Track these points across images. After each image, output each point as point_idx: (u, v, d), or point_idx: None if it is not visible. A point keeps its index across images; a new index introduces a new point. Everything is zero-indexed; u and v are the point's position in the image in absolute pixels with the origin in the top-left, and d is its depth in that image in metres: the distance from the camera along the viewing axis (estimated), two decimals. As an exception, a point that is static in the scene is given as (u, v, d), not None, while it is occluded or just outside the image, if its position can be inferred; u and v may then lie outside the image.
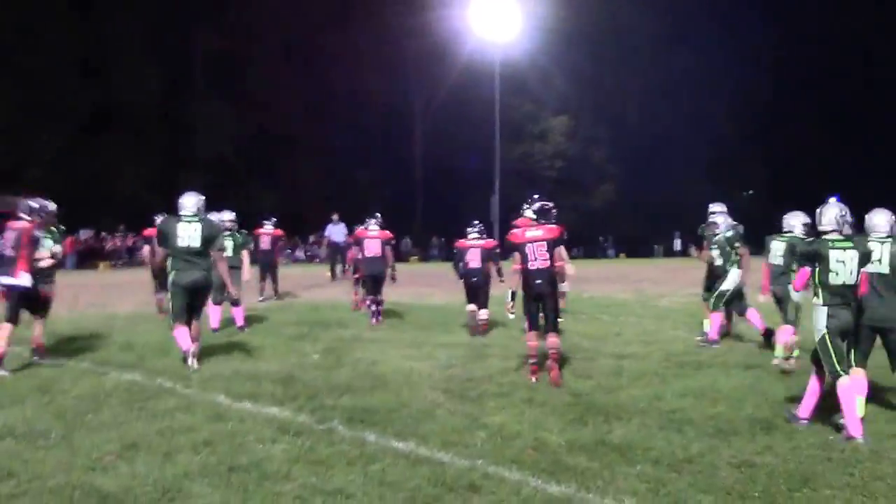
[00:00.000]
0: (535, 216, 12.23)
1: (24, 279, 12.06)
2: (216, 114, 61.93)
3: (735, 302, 14.75)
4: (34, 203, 12.67)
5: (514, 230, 12.15)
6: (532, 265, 11.50)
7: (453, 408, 9.55)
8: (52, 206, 12.93)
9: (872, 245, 9.13)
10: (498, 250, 16.74)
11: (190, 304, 12.43)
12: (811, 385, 8.97)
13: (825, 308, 8.75)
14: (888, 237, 9.36)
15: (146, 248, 18.00)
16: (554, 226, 11.84)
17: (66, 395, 10.08)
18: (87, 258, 45.48)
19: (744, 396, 9.93)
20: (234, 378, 11.18)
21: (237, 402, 9.67)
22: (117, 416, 8.96)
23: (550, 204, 12.38)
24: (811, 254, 8.86)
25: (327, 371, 11.83)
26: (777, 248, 12.95)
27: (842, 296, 8.74)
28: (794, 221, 12.91)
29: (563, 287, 12.70)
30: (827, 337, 8.71)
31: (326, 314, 19.35)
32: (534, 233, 11.69)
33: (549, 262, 11.51)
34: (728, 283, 14.53)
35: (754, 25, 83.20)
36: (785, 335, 12.44)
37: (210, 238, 12.64)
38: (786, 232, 12.94)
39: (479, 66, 63.10)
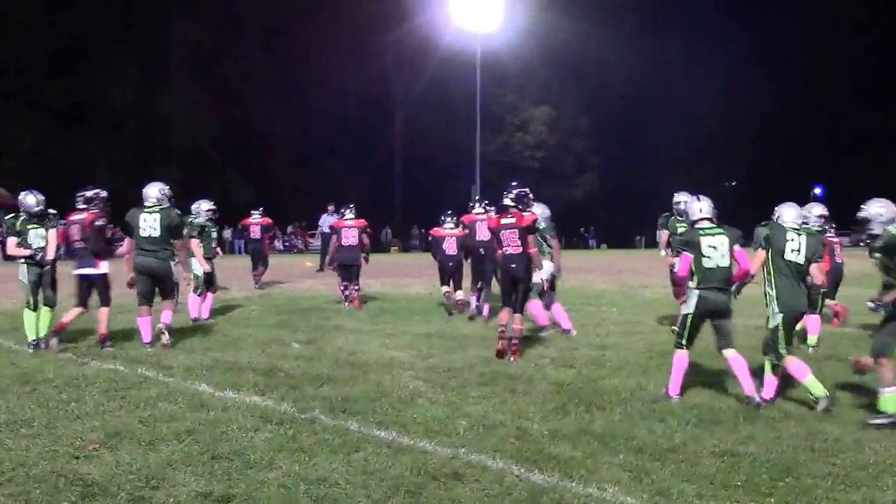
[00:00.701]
0: (512, 204, 12.58)
1: (102, 267, 12.78)
2: (192, 105, 61.79)
3: (549, 293, 14.91)
4: (88, 193, 13.11)
5: (492, 217, 13.18)
6: (506, 250, 12.35)
7: (434, 397, 9.58)
8: (104, 193, 13.32)
9: (791, 235, 9.55)
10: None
11: (152, 289, 13.16)
12: (739, 367, 9.48)
13: (697, 291, 9.51)
14: (802, 229, 9.82)
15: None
16: (527, 214, 12.49)
17: (48, 384, 10.05)
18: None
19: (726, 386, 9.97)
20: (215, 367, 11.22)
21: (219, 392, 9.67)
22: (99, 406, 8.94)
23: (527, 190, 12.85)
24: (687, 242, 9.67)
25: (308, 361, 11.85)
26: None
27: (715, 279, 9.47)
28: (810, 213, 13.21)
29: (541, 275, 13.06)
30: (690, 316, 9.57)
31: (306, 304, 19.41)
32: (507, 220, 12.42)
33: (520, 248, 12.25)
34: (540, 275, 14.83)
35: (739, 18, 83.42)
36: (814, 325, 13.26)
37: (170, 227, 13.08)
38: (803, 224, 13.18)
39: (459, 57, 62.93)
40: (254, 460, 7.03)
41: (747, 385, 9.27)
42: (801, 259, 9.48)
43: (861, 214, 8.92)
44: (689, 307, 9.59)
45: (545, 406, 9.09)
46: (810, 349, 12.96)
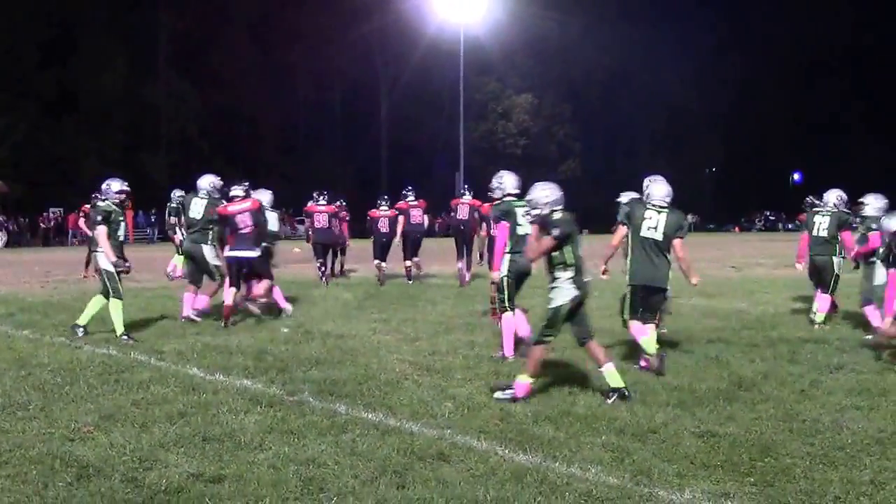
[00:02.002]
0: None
1: (255, 251, 13.95)
2: (180, 94, 61.77)
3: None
4: (242, 186, 14.36)
5: (484, 204, 14.64)
6: (493, 232, 12.89)
7: (421, 379, 9.70)
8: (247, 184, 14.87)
9: (650, 213, 10.18)
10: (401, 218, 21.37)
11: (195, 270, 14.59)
12: (520, 324, 11.10)
13: (509, 255, 10.83)
14: (665, 207, 10.28)
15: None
16: None
17: (43, 368, 10.16)
18: (58, 235, 45.68)
19: (706, 368, 10.10)
20: (206, 351, 11.34)
21: (210, 375, 9.79)
22: (94, 389, 9.04)
23: None
24: (506, 212, 10.98)
25: (297, 345, 11.98)
26: (820, 221, 13.72)
27: (523, 244, 10.31)
28: (833, 197, 13.84)
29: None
30: (506, 279, 10.84)
31: (294, 289, 19.40)
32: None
33: None
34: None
35: (720, 5, 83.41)
36: (825, 303, 13.69)
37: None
38: (826, 207, 13.73)
39: (443, 46, 62.91)
40: (244, 442, 7.13)
41: (507, 342, 10.88)
42: (658, 235, 10.11)
43: (529, 197, 9.04)
44: (504, 270, 10.84)
45: (529, 388, 9.21)
46: (816, 325, 13.52)
